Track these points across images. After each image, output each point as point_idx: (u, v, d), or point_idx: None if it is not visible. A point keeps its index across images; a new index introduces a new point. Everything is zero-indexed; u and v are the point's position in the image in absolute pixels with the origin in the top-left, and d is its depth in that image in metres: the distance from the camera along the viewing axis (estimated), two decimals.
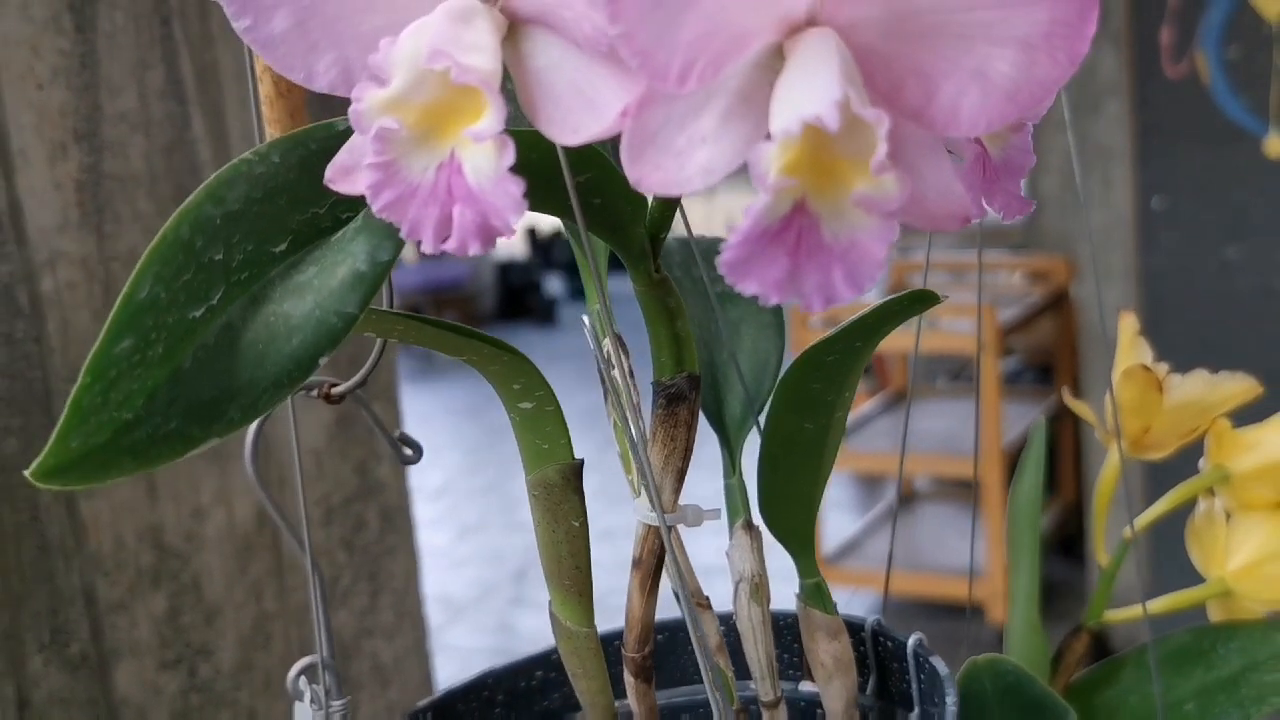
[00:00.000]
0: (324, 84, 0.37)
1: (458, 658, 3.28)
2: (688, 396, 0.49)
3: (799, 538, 0.55)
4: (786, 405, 0.52)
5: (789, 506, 0.55)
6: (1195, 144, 2.52)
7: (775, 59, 0.34)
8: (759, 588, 0.56)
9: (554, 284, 7.87)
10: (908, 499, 3.49)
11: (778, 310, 0.60)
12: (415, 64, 0.34)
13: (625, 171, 0.35)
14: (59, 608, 0.75)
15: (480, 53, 0.34)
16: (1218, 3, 2.43)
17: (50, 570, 0.74)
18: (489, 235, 0.34)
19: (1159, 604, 0.62)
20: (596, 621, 0.52)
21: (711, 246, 0.62)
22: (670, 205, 0.44)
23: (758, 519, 0.56)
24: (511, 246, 8.16)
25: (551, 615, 0.52)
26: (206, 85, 0.85)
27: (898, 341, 3.10)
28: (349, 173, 0.37)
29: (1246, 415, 0.63)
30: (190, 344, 0.35)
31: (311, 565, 0.57)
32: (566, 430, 0.48)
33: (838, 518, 3.66)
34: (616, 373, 0.55)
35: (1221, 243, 2.51)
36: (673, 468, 0.50)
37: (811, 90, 0.32)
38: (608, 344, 0.56)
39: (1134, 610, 0.61)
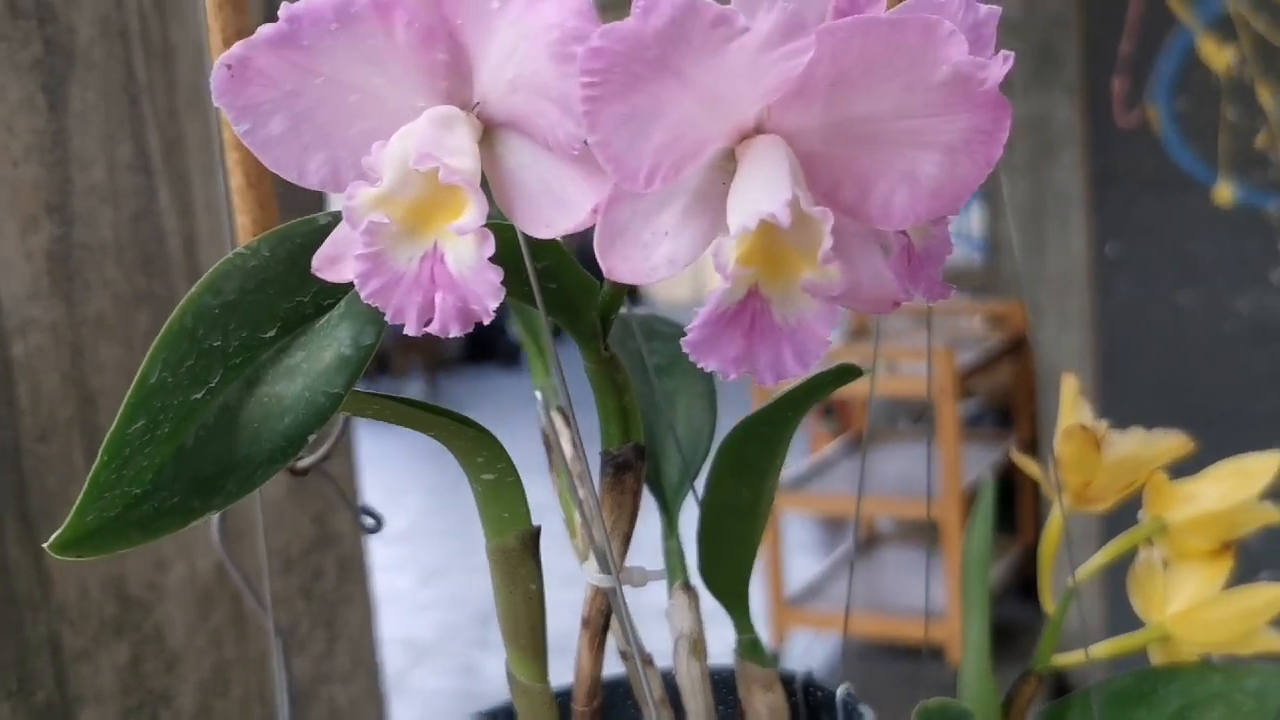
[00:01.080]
0: (315, 181, 0.40)
1: (420, 700, 3.27)
2: (634, 465, 0.51)
3: (735, 596, 0.59)
4: (726, 472, 0.56)
5: (726, 567, 0.58)
6: (1148, 192, 2.57)
7: (728, 161, 0.38)
8: (697, 645, 0.59)
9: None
10: (870, 541, 3.51)
11: (710, 382, 0.63)
12: (404, 165, 0.37)
13: (600, 262, 0.38)
14: (26, 657, 0.76)
15: (462, 155, 0.38)
16: (1169, 55, 2.48)
17: (18, 621, 0.76)
18: (468, 319, 0.37)
19: (1102, 649, 0.64)
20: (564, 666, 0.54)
21: (647, 322, 0.66)
22: (620, 289, 0.47)
23: (695, 580, 0.58)
24: None
25: (508, 673, 0.54)
26: (172, 158, 0.87)
27: (859, 386, 3.13)
28: (334, 262, 0.41)
29: (1200, 463, 0.66)
30: (192, 423, 0.38)
31: (274, 631, 0.59)
32: (525, 499, 0.50)
33: (800, 560, 3.68)
34: (565, 443, 0.58)
35: (1174, 288, 2.56)
36: (619, 532, 0.52)
37: (765, 191, 0.36)
38: (557, 416, 0.58)
39: (1078, 655, 0.63)
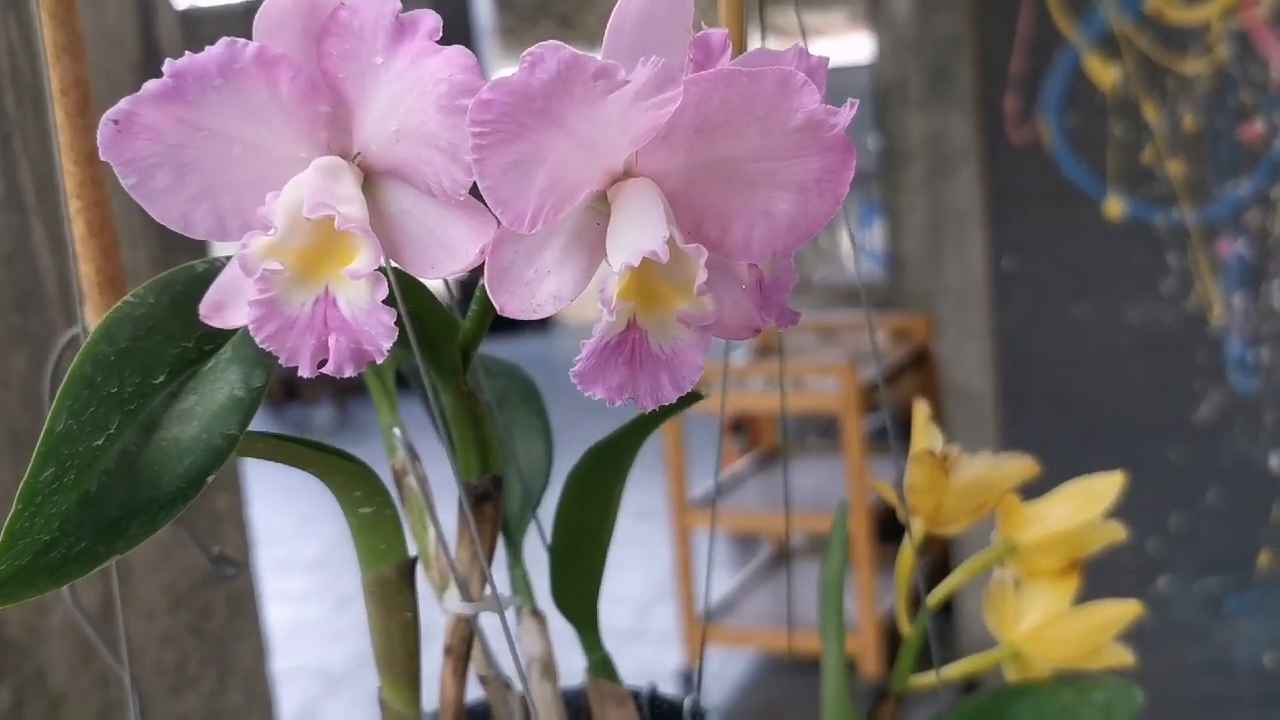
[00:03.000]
0: (201, 232, 0.42)
1: None
2: (493, 495, 0.54)
3: (586, 616, 0.61)
4: (574, 498, 0.58)
5: (576, 589, 0.61)
6: (1041, 206, 2.62)
7: (600, 203, 0.41)
8: (548, 667, 0.61)
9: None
10: (779, 556, 3.53)
11: (544, 416, 0.66)
12: (295, 214, 0.39)
13: (492, 299, 0.41)
14: None
15: (352, 203, 0.40)
16: (1057, 72, 2.54)
17: None
18: (362, 359, 0.39)
19: (954, 669, 0.66)
20: None
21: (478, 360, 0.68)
22: (479, 326, 0.49)
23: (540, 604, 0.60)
24: None
25: (381, 701, 0.55)
26: (46, 194, 0.87)
27: (766, 402, 3.17)
28: (221, 309, 0.43)
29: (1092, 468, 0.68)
30: (95, 469, 0.40)
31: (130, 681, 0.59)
32: (402, 531, 0.52)
33: (714, 576, 3.69)
34: (413, 480, 0.59)
35: (1069, 301, 2.61)
36: (479, 560, 0.54)
37: (644, 229, 0.39)
38: (401, 455, 0.60)
39: (932, 676, 0.65)
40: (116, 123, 0.40)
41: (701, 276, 0.38)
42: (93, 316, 0.55)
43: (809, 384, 3.20)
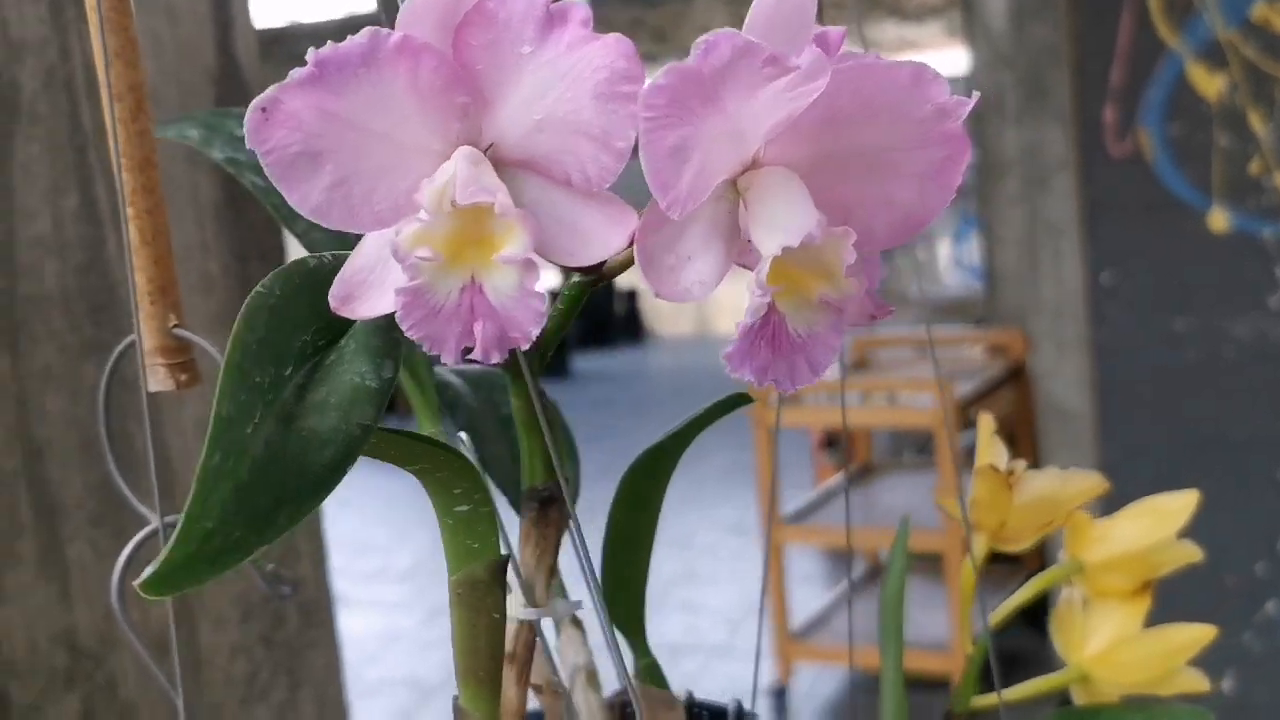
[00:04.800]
0: (335, 220, 0.42)
1: None
2: (558, 499, 0.53)
3: (634, 621, 0.61)
4: (624, 505, 0.59)
5: (625, 594, 0.61)
6: (1141, 218, 2.57)
7: (730, 191, 0.42)
8: (591, 676, 0.61)
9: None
10: (873, 572, 3.49)
11: (566, 429, 0.66)
12: (443, 201, 0.40)
13: (647, 285, 0.41)
14: None
15: (503, 191, 0.40)
16: (1159, 82, 2.49)
17: None
18: (507, 345, 0.40)
19: (1018, 691, 0.64)
20: None
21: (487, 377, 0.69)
22: (560, 328, 0.48)
23: (581, 614, 0.60)
24: None
25: (458, 710, 0.55)
26: (119, 206, 0.88)
27: (861, 418, 3.14)
28: (349, 301, 0.43)
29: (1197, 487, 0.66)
30: (247, 458, 0.40)
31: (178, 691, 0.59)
32: (497, 530, 0.51)
33: (806, 592, 3.67)
34: None
35: (1170, 315, 2.55)
36: (545, 565, 0.53)
37: (797, 214, 0.40)
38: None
39: (992, 698, 0.63)
40: (264, 110, 0.40)
41: (850, 258, 0.39)
42: (145, 326, 0.55)
43: (903, 399, 3.16)
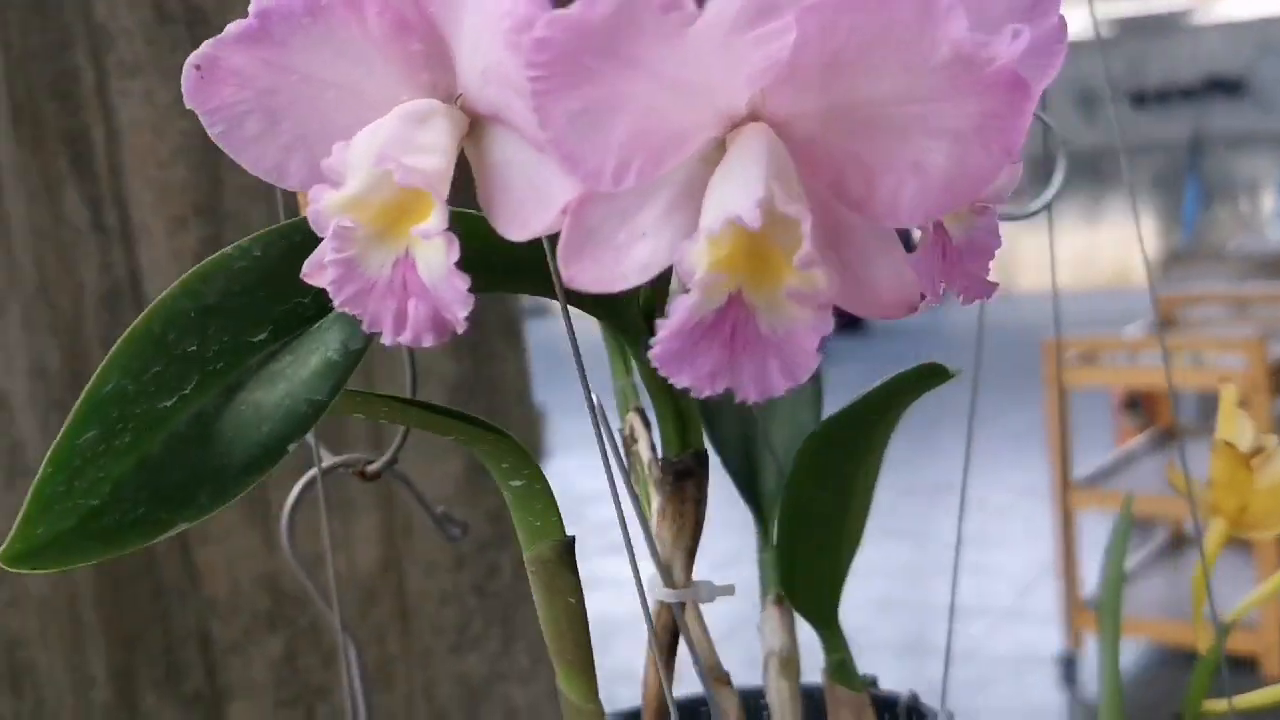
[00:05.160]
0: (295, 183, 0.39)
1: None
2: (695, 473, 0.49)
3: (821, 612, 0.56)
4: (804, 480, 0.53)
5: (810, 582, 0.55)
6: None
7: (720, 152, 0.35)
8: (788, 663, 0.58)
9: None
10: (1175, 542, 3.30)
11: (817, 382, 0.60)
12: (367, 165, 0.35)
13: (561, 268, 0.35)
14: (174, 648, 0.78)
15: (430, 153, 0.35)
16: None
17: (164, 613, 0.77)
18: (442, 328, 0.35)
19: (1252, 698, 0.56)
20: None
21: None
22: (662, 286, 0.43)
23: None
24: None
25: (560, 692, 0.52)
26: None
27: (1163, 378, 2.94)
28: (320, 269, 0.39)
29: None
30: (161, 432, 0.37)
31: (341, 628, 0.58)
32: (556, 507, 0.48)
33: (1099, 560, 3.50)
34: (644, 447, 0.55)
35: None
36: (682, 545, 0.50)
37: (736, 189, 0.33)
38: (635, 417, 0.56)
39: (1222, 704, 0.56)
40: (199, 68, 0.37)
41: (805, 246, 0.32)
42: None
43: (1210, 359, 2.95)
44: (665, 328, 0.32)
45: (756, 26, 0.32)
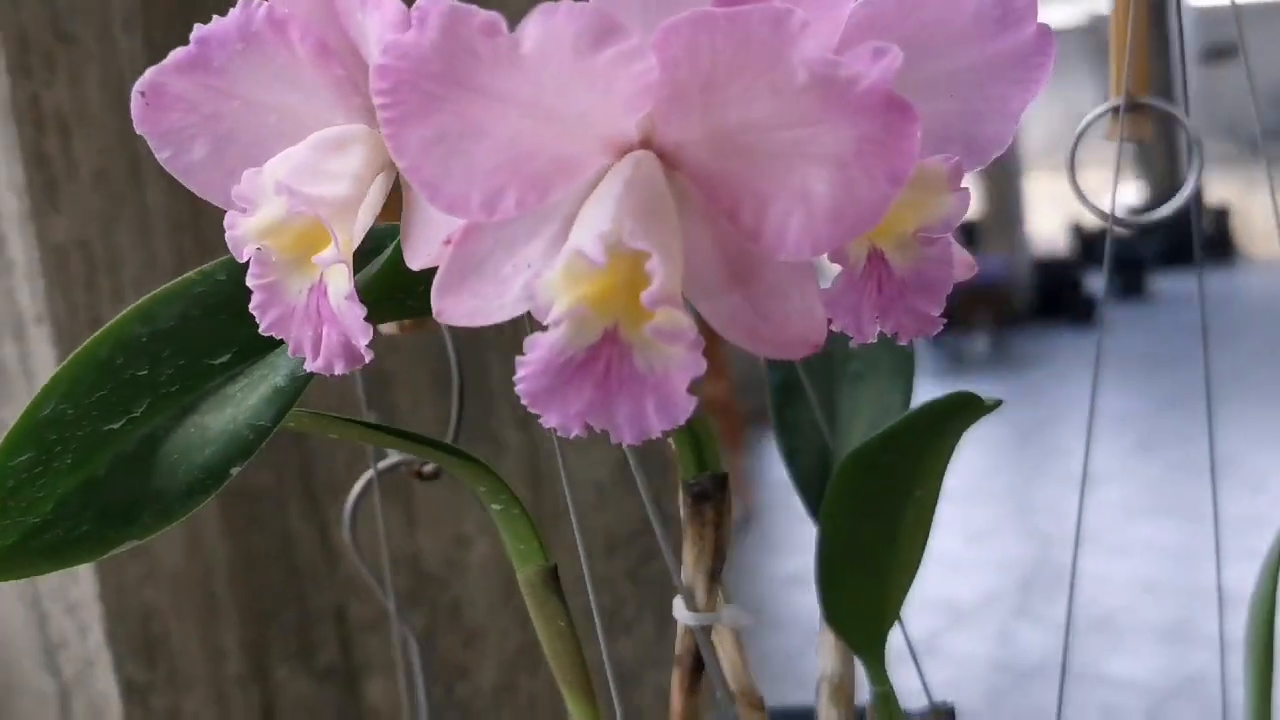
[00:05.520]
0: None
1: (952, 664, 3.21)
2: (712, 496, 0.48)
3: (866, 643, 0.53)
4: (844, 506, 0.51)
5: (855, 609, 0.53)
6: None
7: None
8: (839, 689, 0.56)
9: (1095, 282, 7.48)
10: None
11: (908, 393, 0.57)
12: (270, 193, 0.36)
13: (433, 300, 0.35)
14: (308, 625, 0.81)
15: (334, 181, 0.35)
16: None
17: (300, 592, 0.80)
18: (352, 356, 0.35)
19: None
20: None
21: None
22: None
23: None
24: (1053, 242, 7.85)
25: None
26: None
27: None
28: None
29: None
30: (106, 453, 0.38)
31: (399, 620, 0.59)
32: (537, 533, 0.48)
33: None
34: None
35: None
36: (703, 568, 0.49)
37: (586, 222, 0.32)
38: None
39: None
40: (144, 94, 0.38)
41: (654, 283, 0.30)
42: None
43: None
44: (525, 365, 0.31)
45: (604, 48, 0.30)
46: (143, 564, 0.75)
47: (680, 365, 0.31)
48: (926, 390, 0.46)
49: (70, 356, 0.38)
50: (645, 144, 0.33)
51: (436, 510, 0.87)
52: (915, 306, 0.36)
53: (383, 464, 0.59)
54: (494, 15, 0.30)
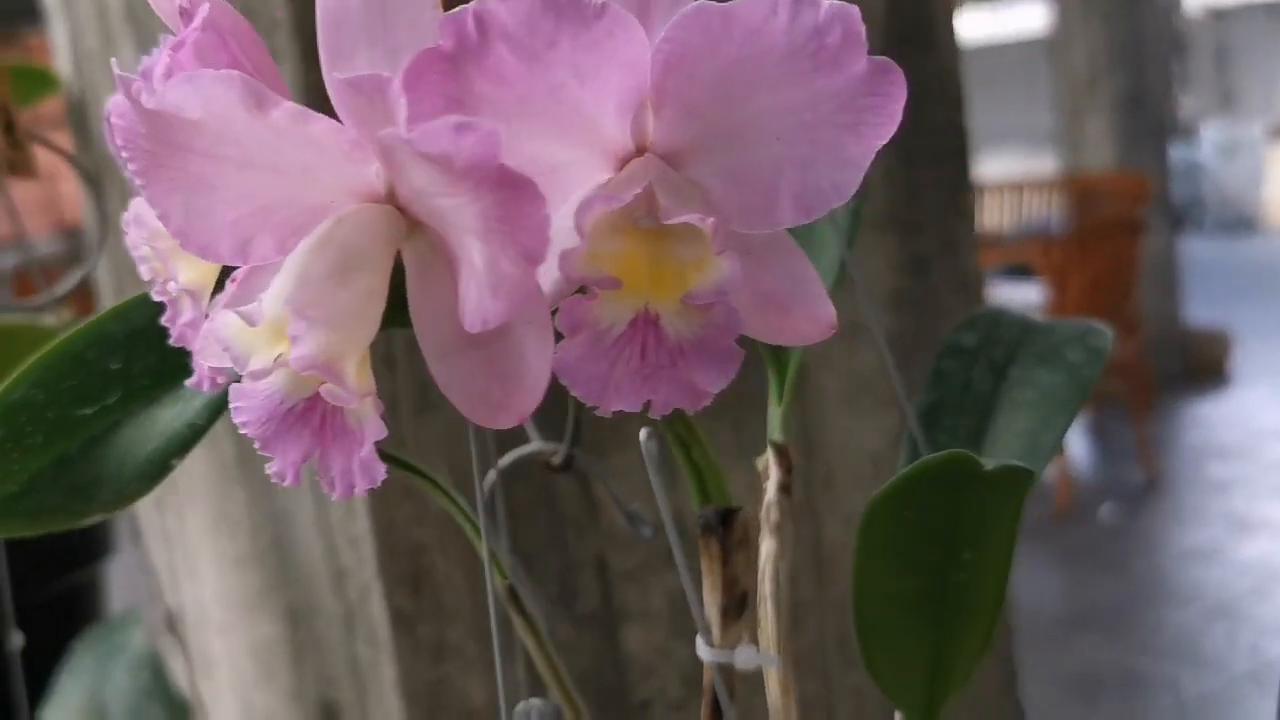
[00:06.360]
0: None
1: None
2: (715, 530, 0.47)
3: (911, 703, 0.50)
4: (875, 553, 0.47)
5: (896, 666, 0.49)
6: None
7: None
8: None
9: None
10: None
11: (1082, 392, 0.52)
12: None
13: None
14: (569, 572, 0.86)
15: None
16: None
17: (563, 540, 0.86)
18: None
19: None
20: None
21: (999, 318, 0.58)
22: None
23: None
24: None
25: None
26: None
27: None
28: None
29: None
30: (78, 435, 0.43)
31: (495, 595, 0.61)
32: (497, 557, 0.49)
33: None
34: (771, 486, 0.52)
35: None
36: (715, 603, 0.48)
37: (274, 287, 0.33)
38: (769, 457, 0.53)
39: None
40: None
41: (295, 349, 0.32)
42: None
43: None
44: (251, 411, 0.33)
45: (268, 109, 0.32)
46: (415, 504, 0.82)
47: (369, 425, 0.32)
48: None
49: (47, 347, 0.42)
50: (390, 196, 0.33)
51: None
52: (687, 377, 0.33)
53: (503, 461, 0.62)
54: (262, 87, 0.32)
